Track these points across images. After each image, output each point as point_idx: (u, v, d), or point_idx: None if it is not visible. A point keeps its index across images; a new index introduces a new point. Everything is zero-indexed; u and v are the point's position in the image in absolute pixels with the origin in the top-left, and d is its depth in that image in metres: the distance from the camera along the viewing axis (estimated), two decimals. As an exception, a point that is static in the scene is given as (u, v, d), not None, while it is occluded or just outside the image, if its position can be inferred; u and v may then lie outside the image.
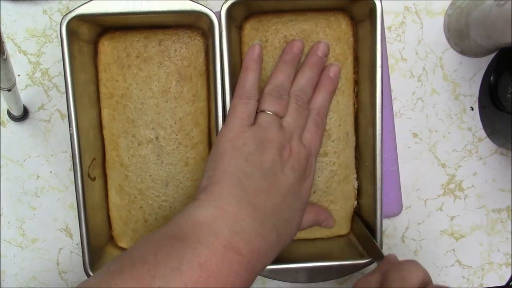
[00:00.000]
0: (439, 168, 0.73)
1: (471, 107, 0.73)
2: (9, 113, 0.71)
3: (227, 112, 0.62)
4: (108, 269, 0.49)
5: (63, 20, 0.60)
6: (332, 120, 0.67)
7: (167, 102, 0.68)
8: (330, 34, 0.66)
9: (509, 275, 0.74)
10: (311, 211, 0.65)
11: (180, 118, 0.68)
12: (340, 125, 0.68)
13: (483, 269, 0.74)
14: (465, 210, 0.74)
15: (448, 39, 0.72)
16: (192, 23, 0.66)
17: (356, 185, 0.69)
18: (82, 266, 0.65)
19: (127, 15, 0.61)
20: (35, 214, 0.73)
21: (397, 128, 0.72)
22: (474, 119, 0.73)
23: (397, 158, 0.72)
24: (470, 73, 0.72)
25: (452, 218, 0.74)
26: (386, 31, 0.72)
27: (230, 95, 0.62)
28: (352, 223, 0.69)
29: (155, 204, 0.69)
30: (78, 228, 0.68)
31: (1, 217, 0.73)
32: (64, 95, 0.67)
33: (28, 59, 0.72)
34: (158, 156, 0.68)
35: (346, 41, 0.67)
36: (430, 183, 0.73)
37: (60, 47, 0.61)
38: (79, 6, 0.60)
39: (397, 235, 0.74)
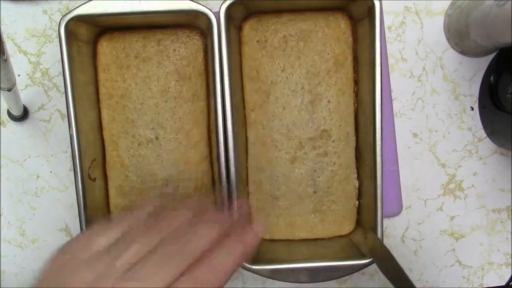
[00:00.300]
0: (439, 168, 0.73)
1: (471, 107, 0.72)
2: (9, 113, 0.71)
3: (227, 110, 0.62)
4: None
5: (61, 21, 0.60)
6: (332, 120, 0.67)
7: (166, 102, 0.68)
8: (329, 34, 0.66)
9: (509, 275, 0.74)
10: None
11: (179, 118, 0.68)
12: (340, 125, 0.68)
13: (483, 269, 0.74)
14: (465, 210, 0.73)
15: (448, 39, 0.72)
16: (191, 23, 0.66)
17: (357, 185, 0.69)
18: (82, 266, 0.65)
19: (126, 15, 0.61)
20: (35, 214, 0.74)
21: (397, 128, 0.72)
22: (474, 119, 0.73)
23: (397, 158, 0.72)
24: (470, 73, 0.72)
25: (452, 218, 0.74)
26: (386, 31, 0.72)
27: (230, 94, 0.62)
28: (368, 240, 0.66)
29: (156, 204, 0.69)
30: (78, 228, 0.68)
31: (1, 217, 0.73)
32: (64, 95, 0.67)
33: (28, 59, 0.72)
34: (158, 156, 0.68)
35: (345, 40, 0.67)
36: (430, 183, 0.73)
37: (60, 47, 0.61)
38: (77, 7, 0.60)
39: (397, 235, 0.74)
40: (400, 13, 0.72)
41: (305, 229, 0.70)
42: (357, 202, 0.69)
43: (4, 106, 0.72)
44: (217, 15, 0.61)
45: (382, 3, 0.69)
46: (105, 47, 0.67)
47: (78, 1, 0.70)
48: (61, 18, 0.60)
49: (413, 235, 0.74)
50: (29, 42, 0.72)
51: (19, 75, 0.72)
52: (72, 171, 0.63)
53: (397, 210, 0.72)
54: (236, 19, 0.65)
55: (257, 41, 0.67)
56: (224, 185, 0.63)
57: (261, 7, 0.66)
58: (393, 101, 0.72)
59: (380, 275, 0.73)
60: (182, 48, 0.67)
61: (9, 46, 0.71)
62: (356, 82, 0.67)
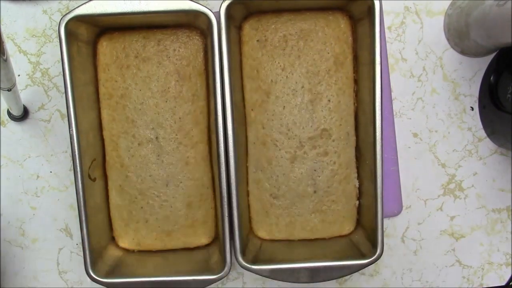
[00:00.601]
0: (439, 168, 0.73)
1: (471, 107, 0.72)
2: (9, 113, 0.71)
3: (227, 110, 0.62)
4: None
5: (61, 21, 0.60)
6: (333, 120, 0.67)
7: (166, 102, 0.68)
8: (329, 33, 0.66)
9: (509, 275, 0.74)
10: None
11: (179, 118, 0.68)
12: (340, 124, 0.68)
13: (483, 269, 0.74)
14: (465, 210, 0.73)
15: (448, 39, 0.72)
16: (191, 23, 0.66)
17: (357, 184, 0.69)
18: (82, 266, 0.65)
19: (126, 15, 0.61)
20: (35, 214, 0.74)
21: (397, 128, 0.72)
22: (474, 119, 0.73)
23: (397, 158, 0.72)
24: (470, 73, 0.72)
25: (452, 218, 0.74)
26: (386, 31, 0.72)
27: (230, 94, 0.62)
28: None
29: (156, 204, 0.69)
30: (78, 228, 0.68)
31: (1, 217, 0.73)
32: (64, 95, 0.67)
33: (28, 59, 0.72)
34: (158, 156, 0.68)
35: (345, 40, 0.67)
36: (430, 183, 0.73)
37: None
38: (77, 7, 0.61)
39: (397, 235, 0.74)
40: (400, 13, 0.72)
41: (305, 229, 0.70)
42: (357, 202, 0.69)
43: (4, 106, 0.72)
44: (217, 15, 0.61)
45: (382, 3, 0.69)
46: (105, 47, 0.67)
47: (78, 1, 0.70)
48: (61, 18, 0.60)
49: (413, 235, 0.74)
50: (29, 42, 0.72)
51: (19, 75, 0.72)
52: (72, 171, 0.64)
53: (397, 210, 0.72)
54: (236, 19, 0.65)
55: (257, 41, 0.67)
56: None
57: (261, 7, 0.66)
58: (393, 101, 0.72)
59: (380, 275, 0.73)
60: (182, 48, 0.67)
61: (9, 46, 0.71)
62: (356, 81, 0.68)
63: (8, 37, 0.72)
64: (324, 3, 0.66)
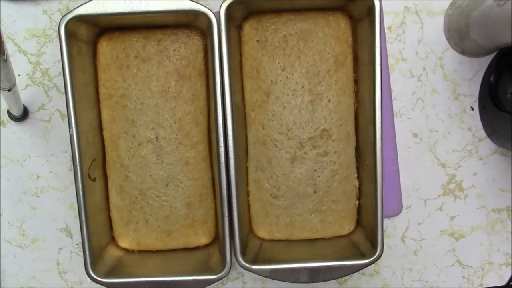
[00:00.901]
0: (439, 168, 0.73)
1: (471, 107, 0.72)
2: (9, 113, 0.71)
3: (227, 110, 0.62)
4: None
5: (61, 21, 0.60)
6: (333, 120, 0.67)
7: (166, 102, 0.68)
8: (329, 34, 0.66)
9: (509, 275, 0.74)
10: None
11: (179, 118, 0.68)
12: (340, 125, 0.68)
13: (483, 269, 0.74)
14: (465, 210, 0.73)
15: (448, 39, 0.72)
16: (191, 23, 0.66)
17: (357, 184, 0.69)
18: (82, 266, 0.65)
19: (126, 15, 0.61)
20: (35, 214, 0.74)
21: (397, 128, 0.72)
22: (474, 119, 0.73)
23: (397, 158, 0.72)
24: (470, 73, 0.72)
25: (452, 218, 0.74)
26: (386, 31, 0.72)
27: (230, 94, 0.62)
28: None
29: (156, 204, 0.69)
30: (78, 228, 0.68)
31: (1, 217, 0.73)
32: (64, 95, 0.67)
33: (28, 59, 0.72)
34: (158, 156, 0.68)
35: (345, 40, 0.67)
36: (430, 183, 0.73)
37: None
38: (77, 7, 0.60)
39: (397, 235, 0.74)
40: (400, 13, 0.72)
41: (305, 229, 0.70)
42: (357, 202, 0.69)
43: (4, 106, 0.72)
44: (217, 15, 0.61)
45: (382, 3, 0.69)
46: (105, 47, 0.67)
47: (78, 1, 0.70)
48: (61, 18, 0.60)
49: (413, 235, 0.74)
50: (29, 42, 0.72)
51: (19, 75, 0.72)
52: (72, 171, 0.64)
53: (397, 210, 0.72)
54: (236, 19, 0.65)
55: (257, 41, 0.67)
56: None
57: (261, 7, 0.66)
58: (393, 101, 0.72)
59: (380, 275, 0.73)
60: (182, 48, 0.67)
61: (9, 46, 0.71)
62: (356, 81, 0.68)
63: (8, 37, 0.72)
64: (324, 3, 0.66)
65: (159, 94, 0.67)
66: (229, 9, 0.61)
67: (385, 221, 0.73)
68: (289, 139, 0.68)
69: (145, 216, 0.69)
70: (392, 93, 0.72)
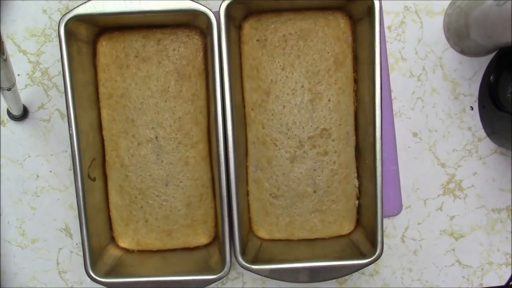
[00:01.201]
0: (439, 167, 0.73)
1: (471, 107, 0.72)
2: (9, 113, 0.71)
3: (226, 110, 0.62)
4: None
5: (61, 21, 0.60)
6: (332, 119, 0.67)
7: (166, 101, 0.68)
8: (329, 33, 0.66)
9: (509, 275, 0.74)
10: None
11: (179, 118, 0.68)
12: (340, 124, 0.68)
13: (483, 269, 0.74)
14: (465, 210, 0.73)
15: (448, 39, 0.72)
16: (191, 22, 0.66)
17: (357, 184, 0.69)
18: (82, 266, 0.65)
19: (126, 15, 0.61)
20: (35, 214, 0.74)
21: (397, 128, 0.72)
22: (474, 119, 0.73)
23: (397, 157, 0.72)
24: (470, 73, 0.72)
25: (452, 218, 0.74)
26: (386, 30, 0.72)
27: (230, 94, 0.62)
28: None
29: (156, 204, 0.69)
30: (78, 228, 0.68)
31: (1, 217, 0.73)
32: (64, 95, 0.67)
33: (28, 59, 0.72)
34: (158, 155, 0.68)
35: (345, 40, 0.67)
36: (430, 182, 0.73)
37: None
38: (77, 7, 0.61)
39: (397, 235, 0.74)
40: (400, 12, 0.72)
41: (305, 228, 0.70)
42: (357, 202, 0.69)
43: (4, 106, 0.72)
44: (216, 14, 0.61)
45: (382, 3, 0.69)
46: (105, 47, 0.67)
47: (78, 1, 0.70)
48: (61, 18, 0.60)
49: (413, 235, 0.74)
50: (29, 41, 0.72)
51: (19, 75, 0.72)
52: (72, 171, 0.63)
53: (397, 210, 0.72)
54: (236, 18, 0.65)
55: (257, 40, 0.67)
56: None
57: (261, 6, 0.66)
58: (393, 101, 0.72)
59: (380, 275, 0.73)
60: (182, 48, 0.67)
61: (9, 46, 0.71)
62: (356, 81, 0.68)
63: (8, 37, 0.72)
64: (324, 3, 0.66)
65: (159, 93, 0.67)
66: (228, 8, 0.61)
67: (385, 221, 0.73)
68: (289, 138, 0.68)
69: (145, 216, 0.69)
70: (392, 93, 0.72)
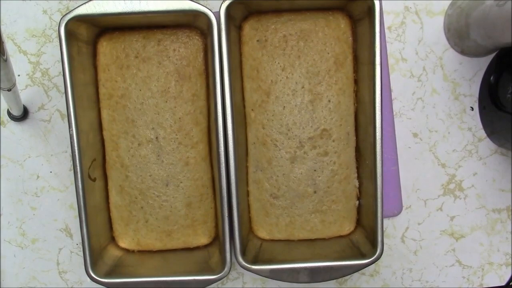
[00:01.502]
0: (439, 168, 0.73)
1: (471, 107, 0.72)
2: (9, 113, 0.71)
3: (227, 110, 0.62)
4: None
5: (61, 21, 0.60)
6: (333, 120, 0.67)
7: (166, 102, 0.68)
8: (329, 34, 0.66)
9: (509, 275, 0.74)
10: None
11: (179, 118, 0.68)
12: (341, 125, 0.68)
13: (483, 269, 0.74)
14: (465, 210, 0.73)
15: (448, 39, 0.72)
16: (191, 23, 0.66)
17: (357, 184, 0.69)
18: (82, 266, 0.65)
19: (126, 15, 0.61)
20: (35, 214, 0.74)
21: (397, 128, 0.72)
22: (474, 119, 0.73)
23: (397, 158, 0.72)
24: (470, 73, 0.72)
25: (452, 218, 0.74)
26: (386, 31, 0.72)
27: (230, 94, 0.62)
28: None
29: (156, 204, 0.69)
30: (78, 228, 0.68)
31: (1, 217, 0.73)
32: (64, 95, 0.67)
33: (28, 59, 0.72)
34: (158, 156, 0.68)
35: (345, 40, 0.67)
36: (430, 183, 0.73)
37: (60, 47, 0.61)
38: (77, 7, 0.61)
39: (397, 235, 0.74)
40: (400, 13, 0.72)
41: (305, 229, 0.70)
42: (357, 202, 0.69)
43: (4, 106, 0.72)
44: (217, 15, 0.61)
45: (382, 3, 0.69)
46: (105, 47, 0.67)
47: (78, 1, 0.70)
48: (61, 18, 0.60)
49: (413, 235, 0.74)
50: (29, 42, 0.72)
51: (19, 75, 0.72)
52: (72, 171, 0.64)
53: (397, 210, 0.72)
54: (236, 19, 0.65)
55: (257, 41, 0.67)
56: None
57: (261, 7, 0.66)
58: (393, 101, 0.72)
59: (380, 275, 0.73)
60: (182, 48, 0.67)
61: (9, 46, 0.71)
62: (356, 82, 0.68)
63: (8, 37, 0.72)
64: (324, 3, 0.66)
65: (159, 94, 0.67)
66: (229, 9, 0.61)
67: (385, 221, 0.73)
68: (289, 139, 0.68)
69: (145, 216, 0.69)
70: (392, 93, 0.72)
